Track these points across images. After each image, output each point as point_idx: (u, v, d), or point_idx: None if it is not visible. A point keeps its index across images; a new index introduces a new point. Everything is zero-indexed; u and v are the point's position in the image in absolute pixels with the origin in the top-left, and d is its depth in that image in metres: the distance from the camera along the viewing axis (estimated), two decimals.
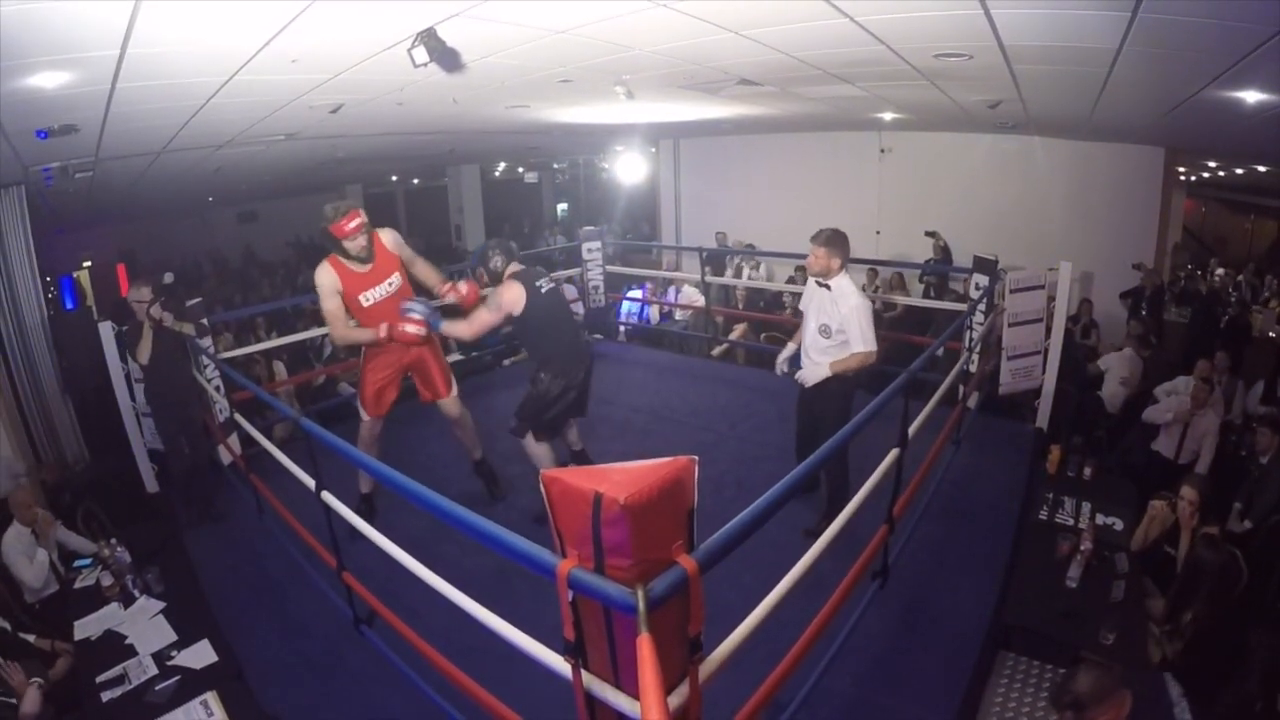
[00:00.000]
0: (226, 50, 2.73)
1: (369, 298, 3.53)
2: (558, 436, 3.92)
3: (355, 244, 3.41)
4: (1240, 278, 9.68)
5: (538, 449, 3.77)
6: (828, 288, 3.44)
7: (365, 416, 3.78)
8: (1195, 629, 3.05)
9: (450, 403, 3.92)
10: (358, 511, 3.63)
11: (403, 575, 2.28)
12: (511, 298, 3.51)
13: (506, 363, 6.75)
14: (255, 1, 2.22)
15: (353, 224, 3.38)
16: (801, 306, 3.75)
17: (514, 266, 3.66)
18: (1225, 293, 8.95)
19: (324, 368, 6.49)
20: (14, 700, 2.74)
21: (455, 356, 6.89)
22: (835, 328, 3.41)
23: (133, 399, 4.49)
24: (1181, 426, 4.76)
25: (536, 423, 3.70)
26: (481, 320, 3.54)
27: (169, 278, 5.14)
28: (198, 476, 4.18)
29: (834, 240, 3.42)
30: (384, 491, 3.81)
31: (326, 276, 3.46)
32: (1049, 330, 4.85)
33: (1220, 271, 10.23)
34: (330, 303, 3.46)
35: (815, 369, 3.50)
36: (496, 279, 3.65)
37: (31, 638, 3.31)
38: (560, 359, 3.63)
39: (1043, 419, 4.90)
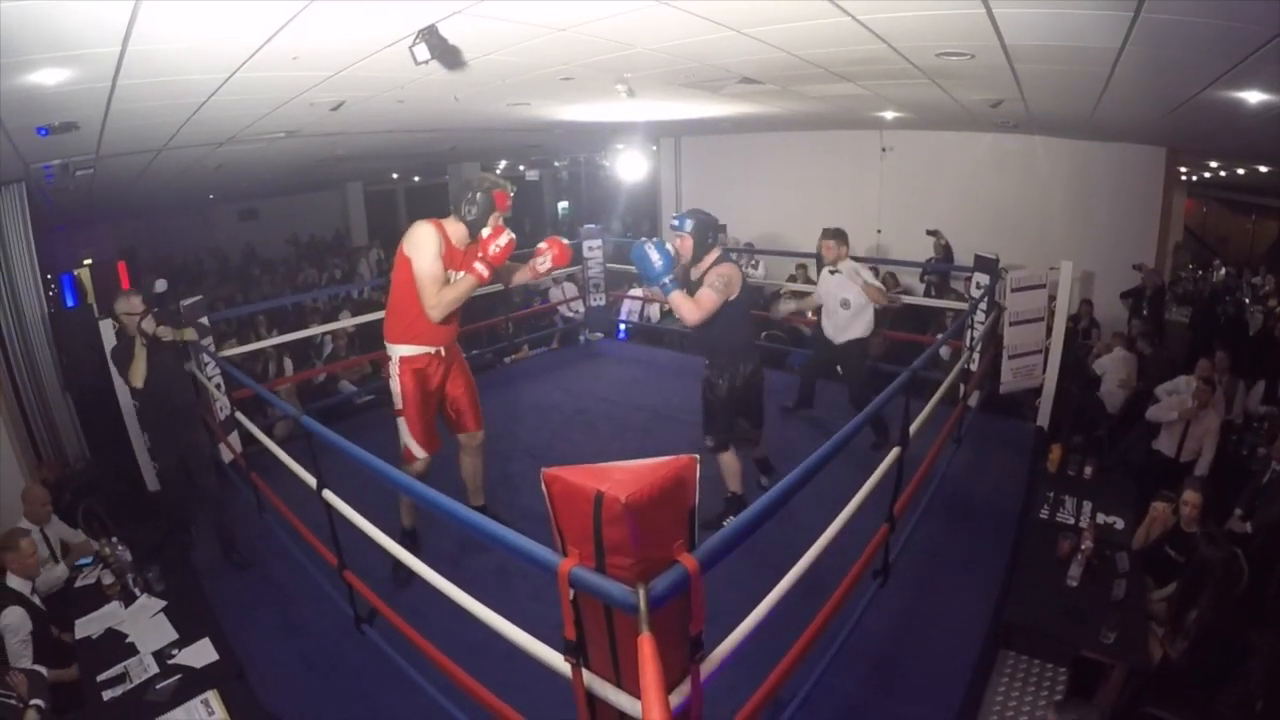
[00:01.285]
0: (227, 47, 2.73)
1: (451, 277, 3.10)
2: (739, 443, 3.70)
3: (499, 221, 3.05)
4: (1256, 279, 9.48)
5: (731, 462, 3.60)
6: (839, 272, 4.41)
7: (419, 455, 3.24)
8: (1199, 627, 3.05)
9: (475, 436, 3.49)
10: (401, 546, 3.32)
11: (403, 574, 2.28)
12: (734, 279, 3.31)
13: (508, 360, 6.75)
14: None
15: (509, 200, 3.08)
16: (819, 295, 4.66)
17: (719, 249, 3.44)
18: (1231, 291, 8.93)
19: (325, 366, 6.49)
20: (15, 701, 2.73)
21: None
22: (853, 300, 4.37)
23: (133, 397, 4.49)
24: (1183, 426, 4.75)
25: (726, 431, 3.57)
26: (708, 301, 3.24)
27: (161, 285, 4.65)
28: (212, 511, 3.72)
29: (841, 234, 4.50)
30: (389, 493, 3.80)
31: (434, 236, 2.99)
32: (1050, 329, 4.85)
33: (1224, 271, 10.20)
34: (437, 265, 2.99)
35: (850, 339, 4.47)
36: (699, 255, 3.39)
37: None
38: (729, 353, 3.46)
39: (1043, 418, 4.90)
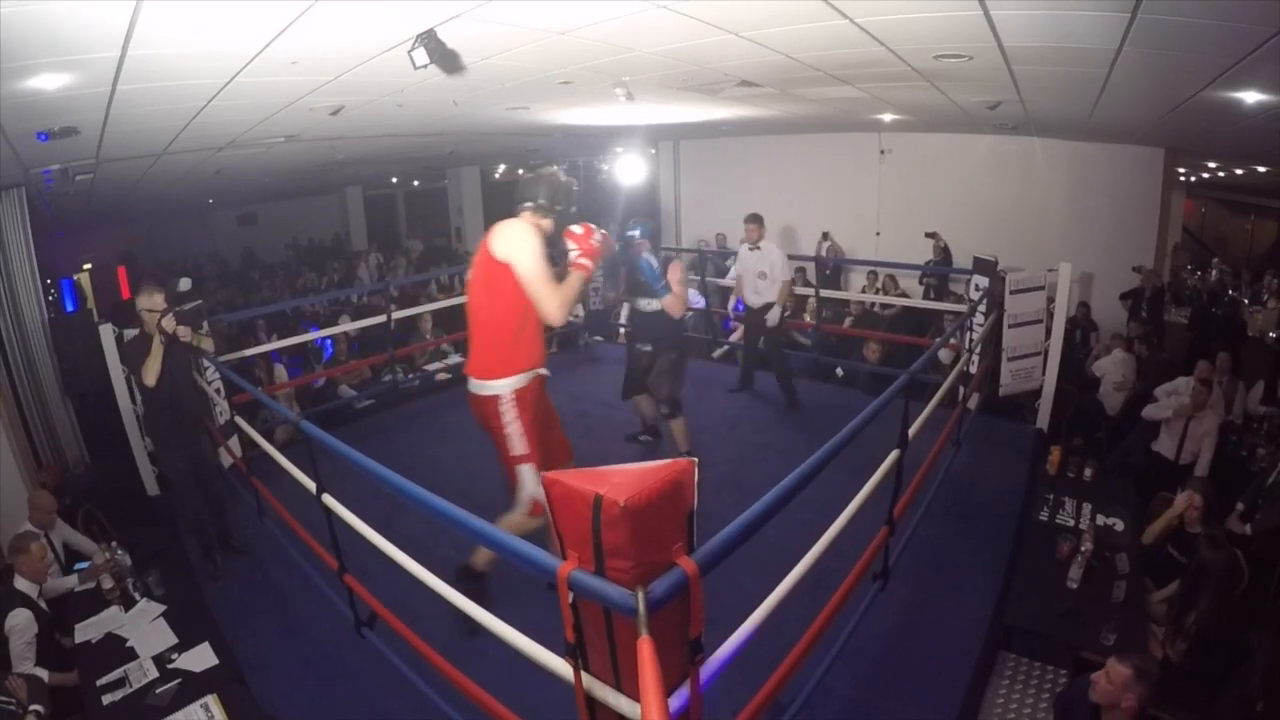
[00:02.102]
0: (227, 52, 2.74)
1: None
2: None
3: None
4: (1261, 283, 9.31)
5: (682, 425, 4.27)
6: (759, 249, 5.31)
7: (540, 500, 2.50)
8: (1199, 629, 3.05)
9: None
10: (459, 586, 2.64)
11: (403, 577, 2.28)
12: (684, 274, 4.17)
13: None
14: (256, 3, 2.22)
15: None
16: (737, 269, 5.61)
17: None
18: (1227, 291, 8.92)
19: (324, 370, 6.48)
20: (14, 707, 2.73)
21: (457, 358, 6.90)
22: (769, 272, 5.30)
23: (133, 401, 4.48)
24: (1182, 427, 4.75)
25: (678, 397, 4.23)
26: (685, 293, 4.16)
27: (185, 284, 4.38)
28: (215, 512, 3.69)
29: (760, 218, 5.38)
30: (385, 493, 3.81)
31: (536, 233, 2.67)
32: (1049, 331, 4.85)
33: (1218, 272, 10.17)
34: (546, 263, 2.65)
35: (766, 303, 5.34)
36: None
37: None
38: (679, 333, 4.29)
39: (1043, 420, 4.90)
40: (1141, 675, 2.29)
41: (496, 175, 15.86)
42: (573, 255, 2.78)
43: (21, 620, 3.08)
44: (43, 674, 2.99)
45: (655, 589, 1.27)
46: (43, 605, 3.30)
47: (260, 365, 5.83)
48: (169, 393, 3.39)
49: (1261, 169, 8.73)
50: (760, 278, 5.37)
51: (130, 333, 4.41)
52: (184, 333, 3.38)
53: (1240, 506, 4.18)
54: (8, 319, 5.30)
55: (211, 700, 2.65)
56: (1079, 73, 3.48)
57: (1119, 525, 3.70)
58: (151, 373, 3.27)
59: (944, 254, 7.47)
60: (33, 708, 2.75)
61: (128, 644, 3.02)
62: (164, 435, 3.57)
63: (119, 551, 3.43)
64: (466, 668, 2.23)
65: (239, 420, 4.06)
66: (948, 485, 3.89)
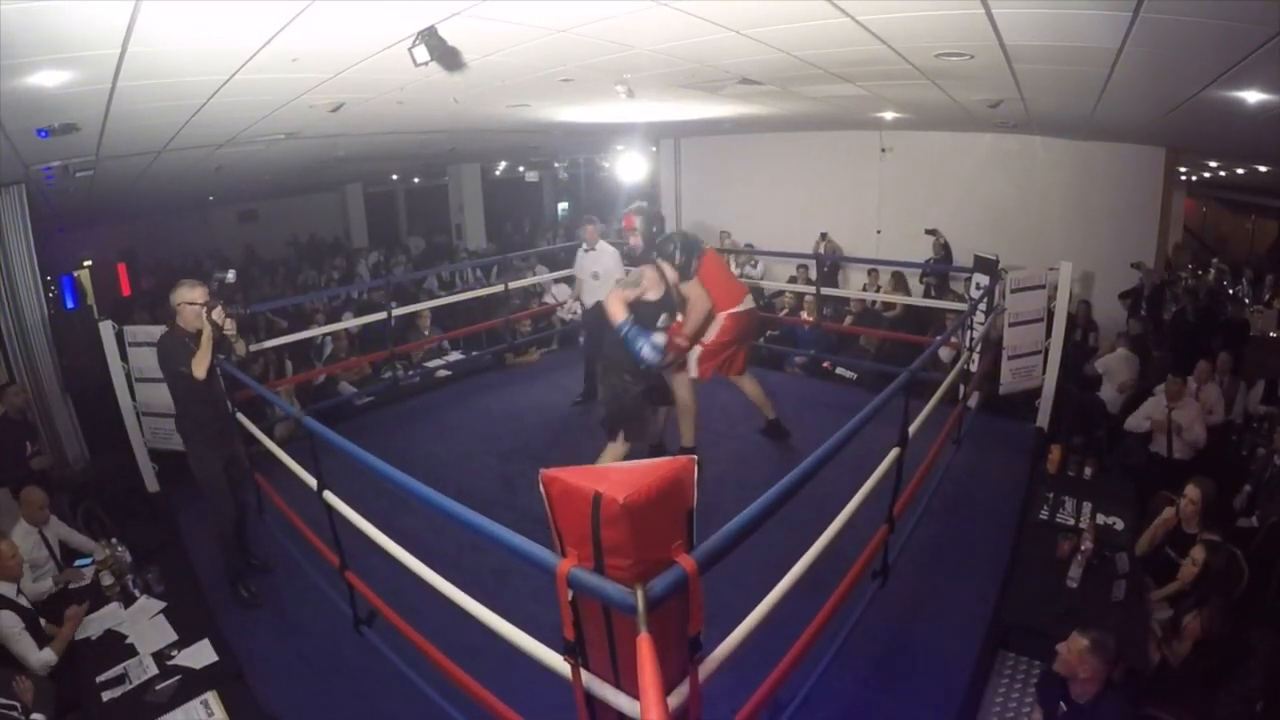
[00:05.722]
0: (227, 49, 2.73)
1: None
2: None
3: None
4: None
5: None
6: (594, 250, 5.51)
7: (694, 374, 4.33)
8: (1198, 633, 3.04)
9: (746, 379, 4.66)
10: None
11: (404, 575, 2.28)
12: None
13: (508, 360, 6.75)
14: (256, 0, 2.22)
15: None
16: (575, 271, 5.78)
17: None
18: (1223, 291, 8.92)
19: (324, 367, 6.48)
20: (17, 714, 2.73)
21: (456, 355, 6.91)
22: (602, 271, 5.44)
23: (133, 398, 4.48)
24: (1165, 425, 4.73)
25: None
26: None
27: (232, 276, 4.04)
28: (239, 524, 3.53)
29: (594, 220, 5.71)
30: (385, 490, 3.81)
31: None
32: (1049, 330, 4.85)
33: (1213, 271, 10.15)
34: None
35: (602, 292, 4.98)
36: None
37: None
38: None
39: (1043, 419, 4.89)
40: (1097, 647, 2.38)
41: (497, 173, 15.85)
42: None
43: (8, 621, 3.06)
44: (52, 657, 2.96)
45: (655, 587, 1.27)
46: (24, 603, 3.25)
47: (271, 361, 5.85)
48: (213, 389, 3.37)
49: (1262, 168, 8.72)
50: (593, 278, 5.48)
51: (136, 329, 4.41)
52: (231, 326, 3.39)
53: (1248, 488, 4.16)
54: (8, 316, 5.30)
55: (211, 697, 2.65)
56: (1080, 72, 3.48)
57: (1119, 524, 3.70)
58: (203, 365, 3.23)
59: (944, 250, 7.46)
60: (34, 716, 2.74)
61: (127, 640, 3.03)
62: (204, 434, 3.39)
63: (119, 548, 3.44)
64: (466, 665, 2.23)
65: (240, 416, 4.06)
66: (948, 483, 3.89)
